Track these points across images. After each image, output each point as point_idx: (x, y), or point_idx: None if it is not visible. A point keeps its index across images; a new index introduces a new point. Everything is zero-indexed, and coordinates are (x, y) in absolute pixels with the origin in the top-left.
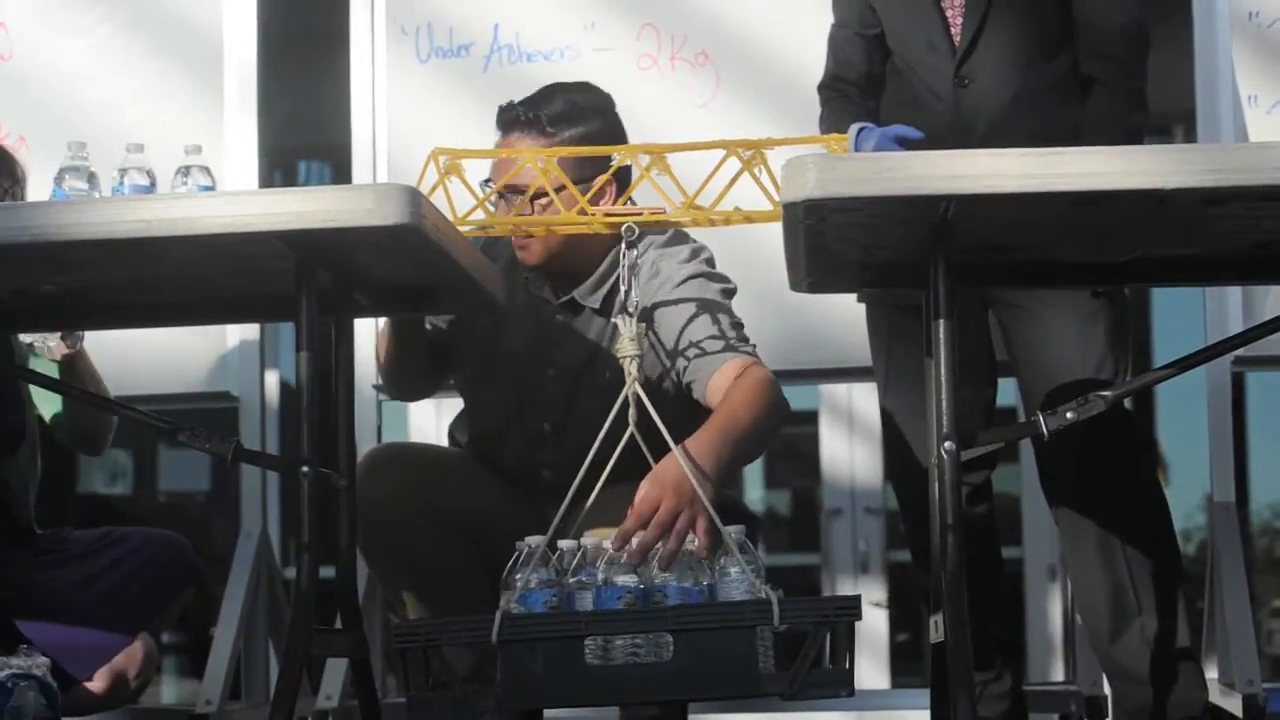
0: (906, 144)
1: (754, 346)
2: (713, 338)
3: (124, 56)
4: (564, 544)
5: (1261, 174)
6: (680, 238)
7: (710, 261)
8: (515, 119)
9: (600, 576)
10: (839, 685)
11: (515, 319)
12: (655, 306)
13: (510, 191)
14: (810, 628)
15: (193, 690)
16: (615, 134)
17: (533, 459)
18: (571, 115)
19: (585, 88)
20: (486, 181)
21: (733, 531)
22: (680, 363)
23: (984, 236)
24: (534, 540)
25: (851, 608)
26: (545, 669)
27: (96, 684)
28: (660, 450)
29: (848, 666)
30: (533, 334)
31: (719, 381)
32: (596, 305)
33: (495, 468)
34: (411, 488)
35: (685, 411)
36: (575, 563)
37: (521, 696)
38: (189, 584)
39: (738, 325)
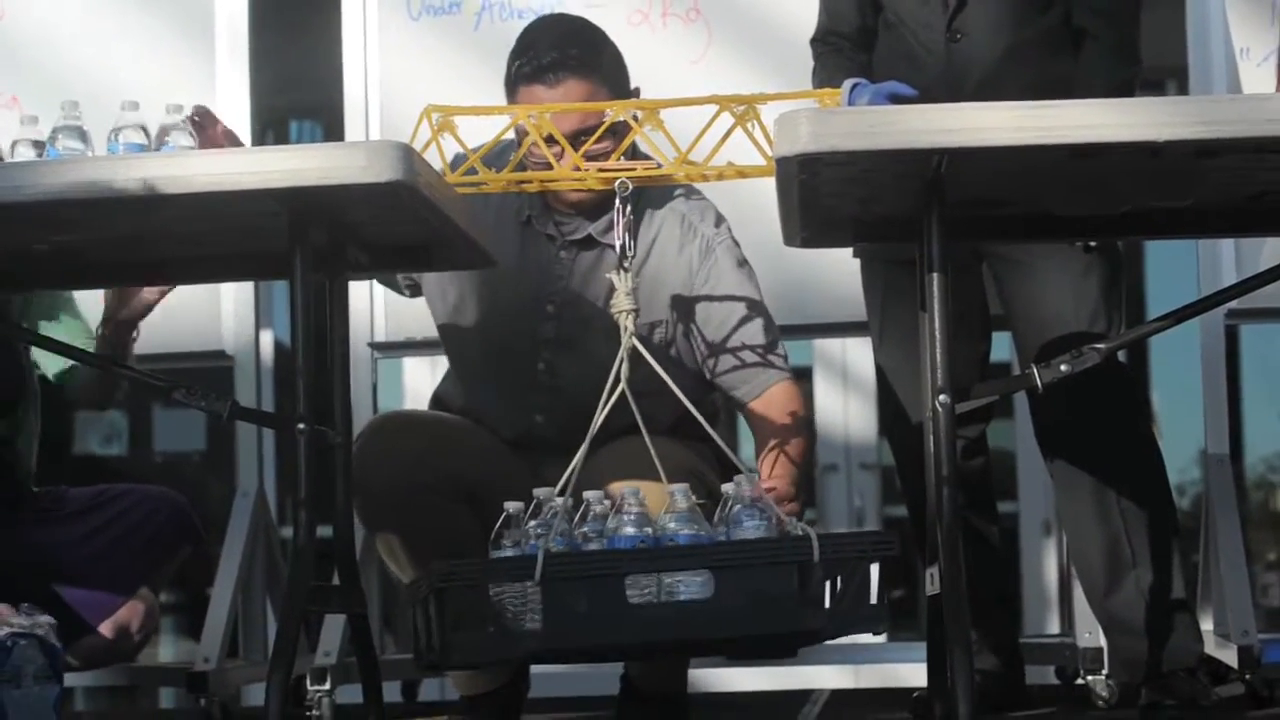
0: (899, 100)
1: (786, 354)
2: (761, 348)
3: (117, 16)
4: (547, 496)
5: (1254, 125)
6: (701, 198)
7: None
8: (567, 61)
9: (611, 525)
10: (875, 621)
11: (511, 253)
12: (703, 297)
13: (586, 134)
14: (850, 563)
15: (190, 648)
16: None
17: (526, 400)
18: (597, 44)
19: (571, 16)
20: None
21: (744, 480)
22: (723, 360)
23: (977, 190)
24: (542, 492)
25: (889, 544)
26: (589, 608)
27: (104, 636)
28: (657, 406)
29: (884, 603)
30: (532, 267)
31: (769, 405)
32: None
33: (488, 420)
34: (415, 458)
35: (698, 385)
36: (580, 515)
37: (564, 636)
38: (186, 541)
39: (776, 331)
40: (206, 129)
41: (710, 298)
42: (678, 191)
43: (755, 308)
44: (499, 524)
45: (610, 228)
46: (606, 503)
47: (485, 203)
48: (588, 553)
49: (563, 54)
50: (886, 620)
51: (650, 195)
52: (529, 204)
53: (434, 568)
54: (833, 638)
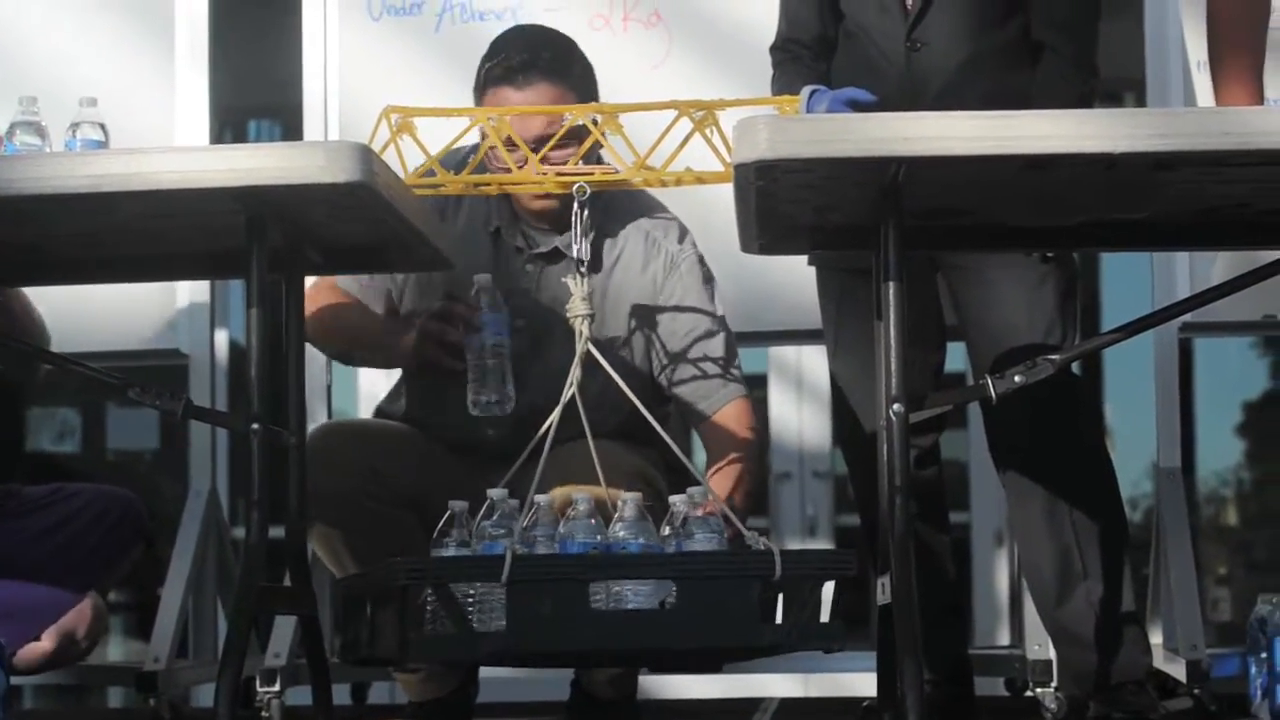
0: (858, 107)
1: (740, 369)
2: (721, 363)
3: (76, 12)
4: (501, 497)
5: (1209, 139)
6: (668, 216)
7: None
8: (538, 63)
9: (561, 530)
10: (831, 638)
11: (482, 264)
12: (666, 310)
13: (558, 140)
14: (810, 581)
15: (141, 648)
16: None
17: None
18: (566, 52)
19: (558, 32)
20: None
21: (697, 494)
22: (680, 372)
23: (935, 199)
24: (495, 493)
25: (848, 563)
26: (552, 612)
27: (45, 643)
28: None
29: (839, 620)
30: (501, 279)
31: (725, 420)
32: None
33: (438, 433)
34: (360, 465)
35: (652, 395)
36: (530, 519)
37: (528, 638)
38: (138, 541)
39: (735, 349)
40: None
41: (674, 312)
42: (643, 208)
43: (717, 323)
44: (442, 522)
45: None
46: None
47: (457, 208)
48: (554, 556)
49: (534, 56)
50: (842, 638)
51: (616, 212)
52: (497, 214)
53: (394, 564)
54: (787, 652)
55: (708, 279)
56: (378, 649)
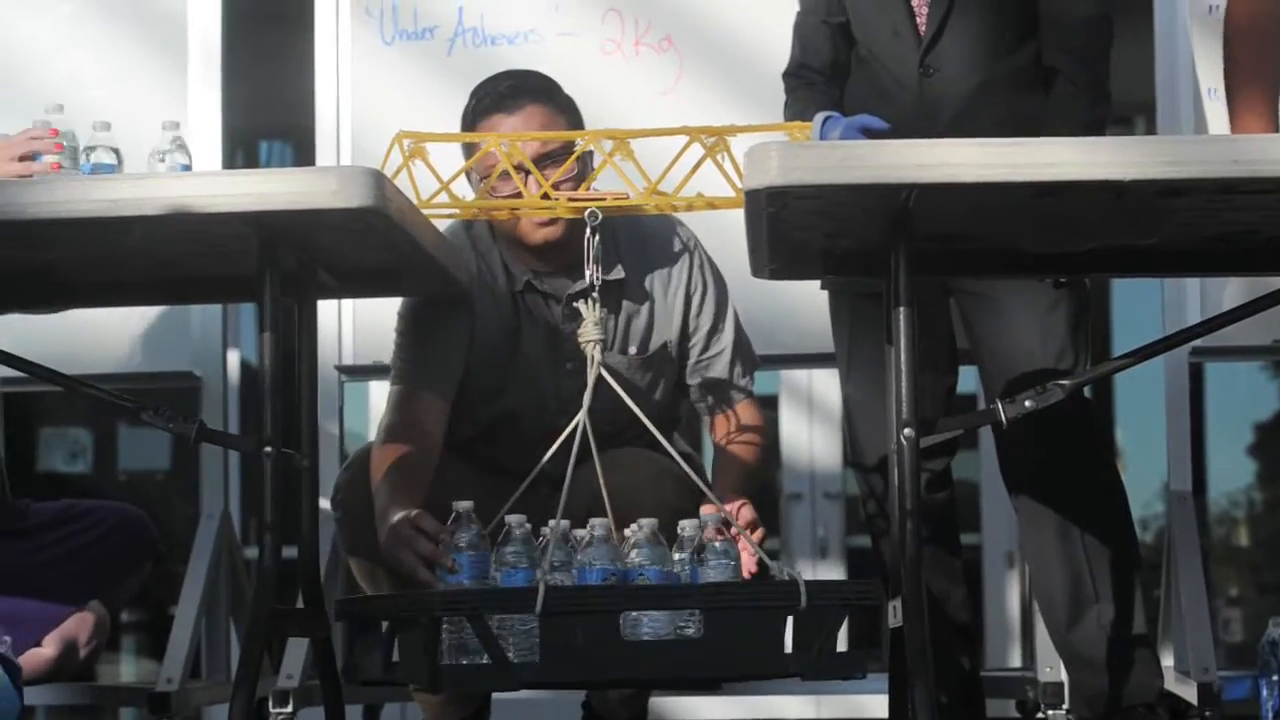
0: (871, 134)
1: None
2: (740, 364)
3: (90, 35)
4: (519, 523)
5: (1218, 166)
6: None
7: None
8: (525, 88)
9: (579, 558)
10: (856, 667)
11: (509, 322)
12: (697, 307)
13: (546, 160)
14: (834, 611)
15: (153, 669)
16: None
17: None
18: (555, 84)
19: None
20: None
21: (710, 520)
22: (699, 369)
23: (945, 225)
24: (514, 519)
25: (872, 593)
26: (584, 642)
27: (47, 650)
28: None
29: (861, 649)
30: (544, 335)
31: (736, 420)
32: (614, 276)
33: (483, 463)
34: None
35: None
36: (545, 545)
37: (561, 669)
38: (146, 557)
39: (751, 349)
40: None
41: (702, 306)
42: (657, 221)
43: (733, 312)
44: (450, 521)
45: (605, 272)
46: (580, 533)
47: (470, 278)
48: (587, 588)
49: (520, 82)
50: (863, 667)
51: (638, 232)
52: (506, 277)
53: (437, 593)
54: (810, 680)
55: (719, 276)
56: (401, 675)
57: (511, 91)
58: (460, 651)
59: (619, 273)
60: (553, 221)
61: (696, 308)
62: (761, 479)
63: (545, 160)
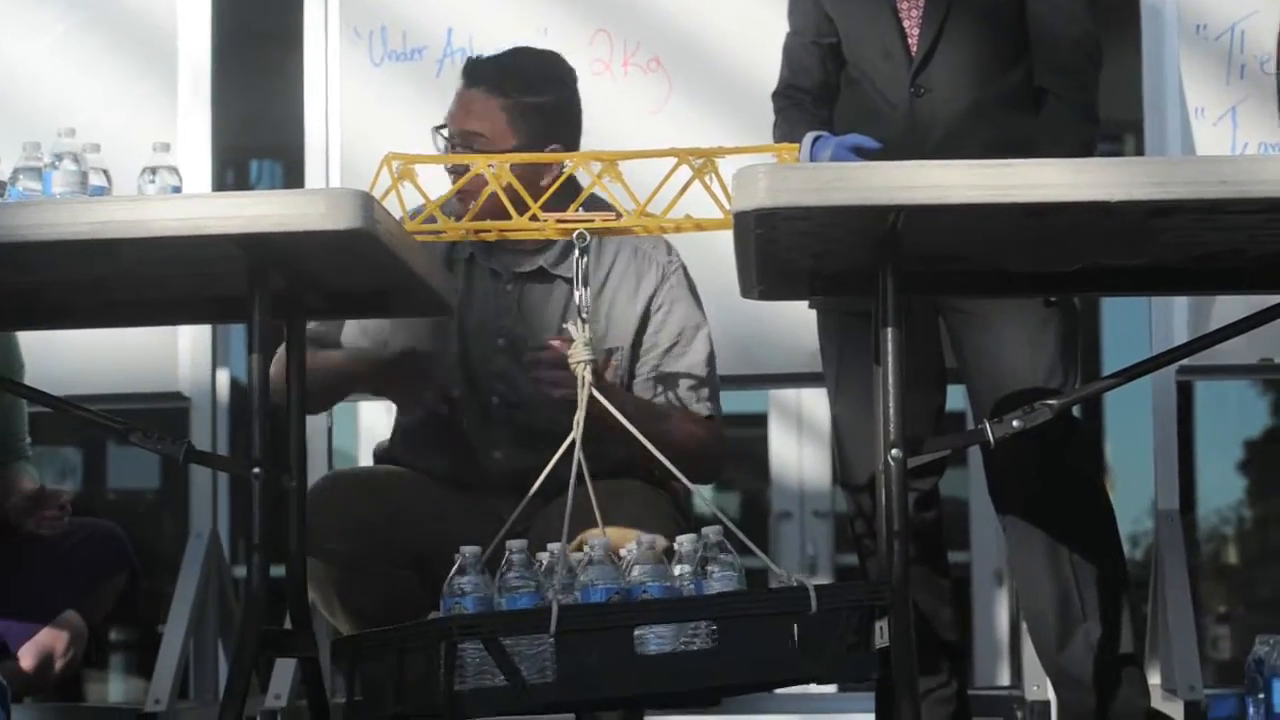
0: (863, 154)
1: (718, 395)
2: (699, 382)
3: (79, 56)
4: (513, 544)
5: (1205, 187)
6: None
7: None
8: (478, 73)
9: (581, 578)
10: (869, 668)
11: (469, 294)
12: (658, 321)
13: (467, 137)
14: (845, 614)
15: (141, 689)
16: (571, 110)
17: (482, 436)
18: (533, 82)
19: (552, 57)
20: (440, 127)
21: (711, 533)
22: (662, 385)
23: (933, 246)
24: (514, 544)
25: (881, 594)
26: (599, 660)
27: (24, 662)
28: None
29: (872, 651)
30: (480, 307)
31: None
32: (567, 274)
33: (439, 472)
34: (363, 524)
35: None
36: (547, 566)
37: (578, 688)
38: (120, 570)
39: (714, 368)
40: None
41: (664, 323)
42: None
43: (703, 340)
44: (454, 569)
45: (561, 259)
46: (577, 554)
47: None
48: (600, 605)
49: (497, 62)
50: (875, 668)
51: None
52: (464, 245)
53: (455, 617)
54: (826, 683)
55: (693, 290)
56: (411, 705)
57: (474, 69)
58: (465, 680)
59: (564, 270)
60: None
61: (657, 324)
62: (690, 457)
63: (466, 140)
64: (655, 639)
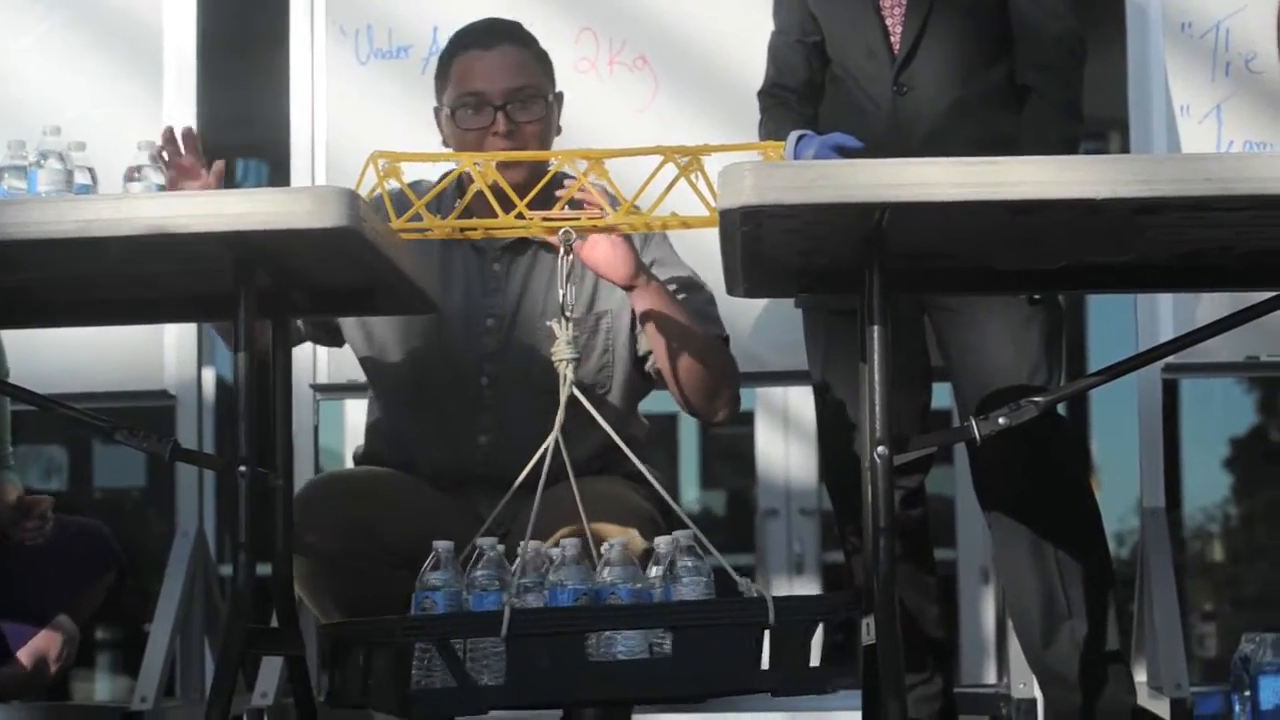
0: (846, 153)
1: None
2: (701, 314)
3: (64, 54)
4: (484, 542)
5: (1190, 185)
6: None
7: None
8: (495, 32)
9: (551, 578)
10: (826, 681)
11: (449, 276)
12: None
13: (512, 95)
14: (802, 627)
15: (127, 687)
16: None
17: (470, 423)
18: (529, 35)
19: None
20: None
21: (682, 537)
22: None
23: (919, 244)
24: (484, 542)
25: (837, 609)
26: (550, 664)
27: (20, 665)
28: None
29: (829, 665)
30: (459, 282)
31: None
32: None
33: (421, 469)
34: (348, 527)
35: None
36: (520, 565)
37: (527, 692)
38: (108, 569)
39: (713, 300)
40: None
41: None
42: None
43: (694, 281)
44: (427, 562)
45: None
46: (553, 552)
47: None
48: (552, 610)
49: (495, 23)
50: (831, 682)
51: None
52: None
53: (399, 620)
54: (781, 695)
55: (670, 245)
56: (374, 701)
57: (489, 29)
58: (431, 676)
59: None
60: (514, 165)
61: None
62: (693, 348)
63: (516, 98)
64: (623, 642)
